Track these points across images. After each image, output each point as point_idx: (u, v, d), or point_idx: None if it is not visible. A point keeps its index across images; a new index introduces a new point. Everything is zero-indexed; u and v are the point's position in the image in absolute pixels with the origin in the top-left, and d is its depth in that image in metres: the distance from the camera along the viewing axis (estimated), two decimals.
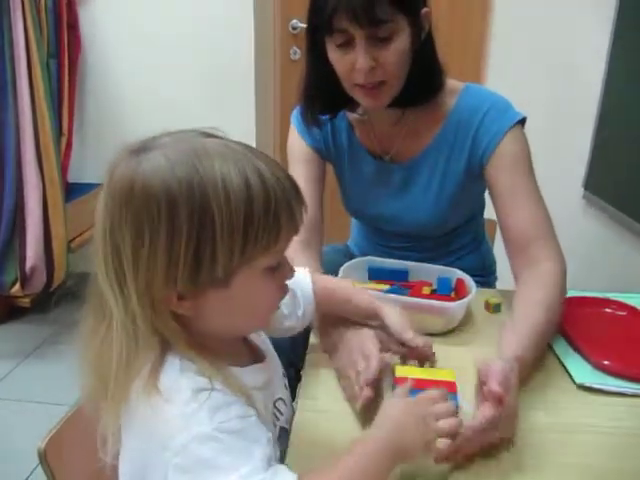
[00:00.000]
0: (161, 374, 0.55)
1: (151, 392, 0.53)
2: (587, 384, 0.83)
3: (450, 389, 0.70)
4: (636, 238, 1.26)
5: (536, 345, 0.83)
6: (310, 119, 1.09)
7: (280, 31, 2.37)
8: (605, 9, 1.34)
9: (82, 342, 0.60)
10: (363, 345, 0.80)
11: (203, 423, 0.52)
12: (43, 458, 0.68)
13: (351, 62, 0.93)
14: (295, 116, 1.17)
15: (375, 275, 1.09)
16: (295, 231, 0.59)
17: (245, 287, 0.57)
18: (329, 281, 0.88)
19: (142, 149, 0.56)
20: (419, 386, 0.70)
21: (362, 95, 0.98)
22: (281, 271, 0.60)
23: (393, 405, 0.63)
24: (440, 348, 0.90)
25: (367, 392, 0.72)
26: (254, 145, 0.61)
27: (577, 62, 1.58)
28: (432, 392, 0.64)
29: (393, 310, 0.82)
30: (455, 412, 0.63)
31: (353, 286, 0.89)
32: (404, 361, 0.83)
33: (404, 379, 0.72)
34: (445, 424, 0.61)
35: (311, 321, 0.85)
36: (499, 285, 1.30)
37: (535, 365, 0.85)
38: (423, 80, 1.00)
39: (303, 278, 0.83)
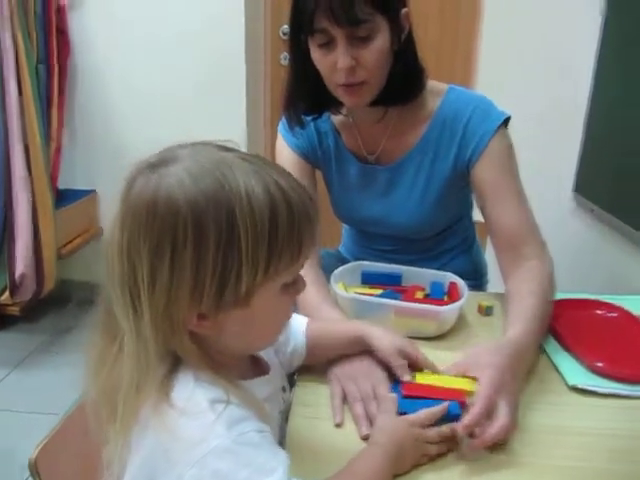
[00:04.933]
0: (174, 389, 0.53)
1: (163, 408, 0.52)
2: (580, 386, 0.83)
3: (457, 397, 0.70)
4: (626, 240, 1.27)
5: (536, 329, 0.86)
6: (294, 119, 1.09)
7: (271, 36, 2.37)
8: (593, 9, 1.36)
9: (91, 365, 0.58)
10: (370, 370, 0.79)
11: (221, 435, 0.50)
12: (34, 469, 0.68)
13: (333, 62, 0.94)
14: (282, 125, 1.18)
15: (368, 279, 1.09)
16: (314, 245, 0.58)
17: (264, 304, 0.55)
18: (318, 322, 0.85)
19: (160, 163, 0.54)
20: (423, 394, 0.71)
21: (343, 94, 0.99)
22: (296, 286, 0.59)
23: (390, 423, 0.66)
24: (433, 352, 0.90)
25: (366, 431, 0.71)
26: (245, 149, 0.60)
27: (566, 64, 1.60)
28: (422, 416, 0.67)
29: (381, 333, 0.80)
30: (445, 435, 0.67)
31: (338, 318, 0.90)
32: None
33: (414, 386, 0.73)
34: (436, 449, 0.67)
35: (298, 364, 0.82)
36: (490, 288, 1.31)
37: (537, 348, 0.88)
38: (404, 80, 1.01)
39: (296, 318, 0.82)
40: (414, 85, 1.03)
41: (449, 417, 0.68)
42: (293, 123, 1.09)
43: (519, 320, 0.87)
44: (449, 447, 0.68)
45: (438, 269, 1.10)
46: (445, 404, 0.68)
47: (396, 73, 0.99)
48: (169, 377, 0.54)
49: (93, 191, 2.38)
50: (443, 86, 1.08)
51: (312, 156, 1.17)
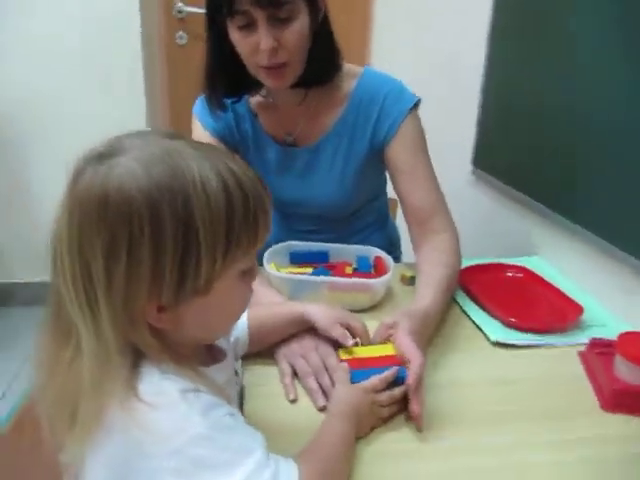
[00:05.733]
0: (140, 384, 0.52)
1: (132, 404, 0.50)
2: (501, 340, 0.92)
3: (396, 363, 0.75)
4: (520, 207, 1.40)
5: (442, 299, 0.94)
6: (214, 103, 1.07)
7: (165, 16, 2.28)
8: None
9: (44, 370, 0.55)
10: (316, 344, 0.82)
11: (197, 424, 0.50)
12: None
13: (254, 43, 0.94)
14: (198, 108, 1.15)
15: (296, 259, 1.11)
16: (269, 229, 0.58)
17: (223, 293, 0.55)
18: (257, 308, 0.85)
19: (108, 154, 0.51)
20: (368, 365, 0.75)
21: (266, 76, 0.99)
22: (251, 272, 0.59)
23: (347, 392, 0.70)
24: (367, 323, 0.95)
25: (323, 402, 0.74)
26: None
27: (459, 47, 1.71)
28: (375, 382, 0.72)
29: (317, 309, 0.83)
30: (396, 397, 0.72)
31: (277, 301, 0.92)
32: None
33: (351, 360, 0.76)
34: (388, 411, 0.72)
35: (242, 353, 0.83)
36: (405, 259, 1.39)
37: (444, 315, 0.97)
38: (323, 60, 1.03)
39: None
40: (332, 66, 1.06)
41: (397, 381, 0.73)
42: (214, 107, 1.07)
43: (428, 291, 0.93)
44: (399, 408, 0.73)
45: (357, 245, 1.15)
46: (395, 369, 0.73)
47: (315, 54, 1.01)
48: (133, 373, 0.52)
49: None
50: (357, 68, 1.12)
51: (230, 138, 1.16)
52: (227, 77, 1.05)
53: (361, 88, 1.10)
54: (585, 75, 1.13)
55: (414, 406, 0.70)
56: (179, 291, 0.51)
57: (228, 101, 1.09)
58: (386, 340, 0.82)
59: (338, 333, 0.80)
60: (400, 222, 1.43)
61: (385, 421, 0.72)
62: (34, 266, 2.25)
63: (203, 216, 0.50)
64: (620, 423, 0.75)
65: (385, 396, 0.71)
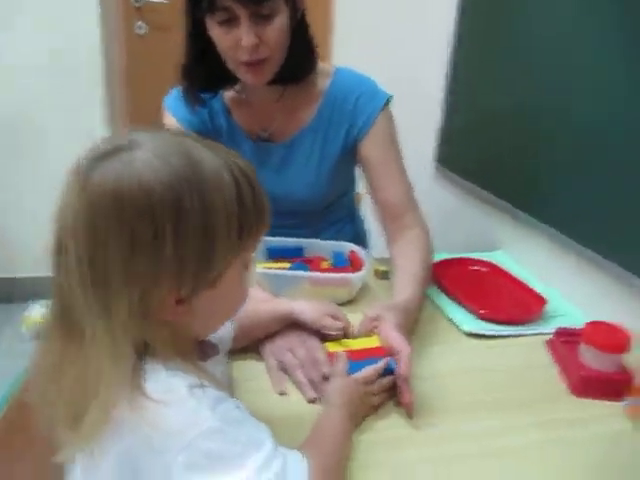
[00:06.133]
0: (146, 382, 0.51)
1: (140, 402, 0.49)
2: (473, 331, 0.97)
3: (383, 354, 0.78)
4: (482, 204, 1.46)
5: (420, 293, 0.98)
6: (191, 97, 1.07)
7: (123, 6, 2.22)
8: None
9: (44, 370, 0.54)
10: (303, 338, 0.84)
11: (207, 418, 0.50)
12: None
13: (235, 39, 0.94)
14: (170, 100, 1.14)
15: (274, 254, 1.12)
16: (270, 217, 0.58)
17: (229, 284, 0.55)
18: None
19: (120, 148, 0.50)
20: (357, 356, 0.77)
21: (245, 71, 1.00)
22: (250, 264, 0.60)
23: (343, 385, 0.72)
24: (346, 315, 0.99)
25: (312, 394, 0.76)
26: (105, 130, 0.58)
27: (423, 48, 1.76)
28: (369, 372, 0.74)
29: (305, 305, 0.85)
30: (385, 386, 0.76)
31: (262, 297, 0.93)
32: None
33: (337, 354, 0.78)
34: (378, 399, 0.75)
35: (227, 349, 0.82)
36: (373, 253, 1.42)
37: (420, 310, 0.99)
38: (301, 57, 1.05)
39: None
40: (309, 63, 1.07)
41: (386, 371, 0.76)
42: (192, 102, 1.07)
43: (407, 285, 0.97)
44: (389, 396, 0.76)
45: (329, 238, 1.17)
46: (386, 360, 0.76)
47: (293, 51, 1.02)
48: (138, 370, 0.52)
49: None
50: (330, 67, 1.14)
51: (204, 132, 1.15)
52: (204, 71, 1.04)
53: (335, 86, 1.12)
54: (549, 75, 1.19)
55: (405, 394, 0.73)
56: (197, 282, 0.52)
57: (206, 96, 1.09)
58: (370, 332, 0.84)
59: (328, 322, 0.83)
60: (366, 216, 1.46)
61: (376, 410, 0.74)
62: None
63: (219, 206, 0.51)
64: (589, 407, 0.81)
65: (376, 385, 0.74)
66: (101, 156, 0.50)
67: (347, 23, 2.25)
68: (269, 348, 0.84)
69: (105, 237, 0.48)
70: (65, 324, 0.52)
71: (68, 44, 2.06)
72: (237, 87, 1.12)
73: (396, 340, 0.77)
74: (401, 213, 1.10)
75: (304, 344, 0.83)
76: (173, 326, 0.54)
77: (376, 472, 0.65)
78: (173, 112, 1.13)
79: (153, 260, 0.49)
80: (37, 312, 2.06)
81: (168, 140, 0.52)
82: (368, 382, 0.74)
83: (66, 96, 2.10)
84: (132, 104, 2.32)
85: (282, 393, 0.78)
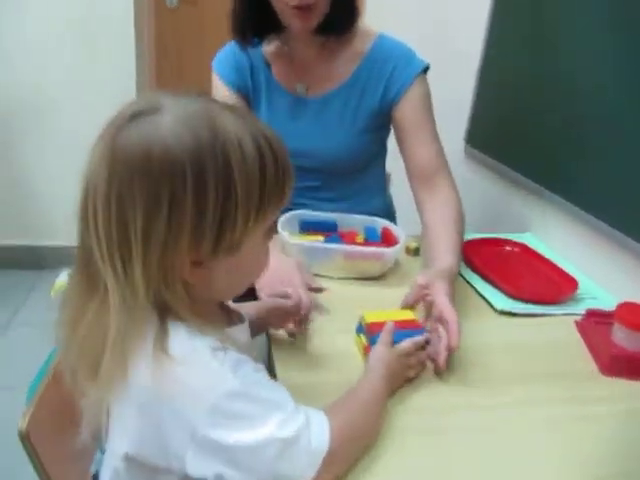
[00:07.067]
0: (169, 341, 0.53)
1: (162, 360, 0.51)
2: (506, 309, 0.98)
3: (417, 326, 0.80)
4: (511, 185, 1.46)
5: (458, 260, 1.01)
6: (244, 42, 1.14)
7: None
8: None
9: (68, 320, 0.56)
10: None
11: (228, 379, 0.52)
12: (26, 439, 0.65)
13: None
14: (217, 64, 1.20)
15: (306, 228, 1.14)
16: (293, 185, 0.59)
17: (251, 250, 0.56)
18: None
19: (146, 112, 0.52)
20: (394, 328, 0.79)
21: (295, 16, 1.04)
22: (271, 232, 0.61)
23: (390, 357, 0.73)
24: (376, 290, 1.01)
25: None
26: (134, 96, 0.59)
27: (459, 17, 1.74)
28: (409, 345, 0.76)
29: (250, 305, 0.83)
30: (422, 360, 0.78)
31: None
32: None
33: (377, 324, 0.80)
34: (414, 372, 0.77)
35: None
36: None
37: (457, 272, 1.00)
38: (343, 9, 1.09)
39: None
40: (351, 17, 1.12)
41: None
42: (245, 44, 1.14)
43: (449, 252, 0.99)
44: (422, 369, 0.79)
45: (356, 207, 1.21)
46: (426, 335, 0.78)
47: (337, 2, 1.07)
48: (161, 329, 0.53)
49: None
50: (373, 31, 1.18)
51: (244, 90, 1.21)
52: (254, 17, 1.10)
53: (376, 50, 1.16)
54: (584, 56, 1.17)
55: (442, 362, 0.76)
56: (216, 246, 0.53)
57: (255, 41, 1.15)
58: (419, 300, 0.88)
59: (279, 303, 0.83)
60: (397, 194, 1.47)
61: (410, 382, 0.77)
62: None
63: (240, 173, 0.52)
64: (617, 385, 0.82)
65: (414, 358, 0.76)
66: (131, 116, 0.52)
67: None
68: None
69: (131, 195, 0.50)
70: (85, 280, 0.55)
71: (101, 15, 2.08)
72: (282, 38, 1.16)
73: (447, 309, 0.79)
74: (430, 175, 1.14)
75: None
76: (190, 288, 0.55)
77: (413, 438, 0.68)
78: (220, 74, 1.20)
79: (172, 221, 0.50)
80: (65, 278, 2.10)
81: (193, 106, 0.54)
82: (408, 354, 0.75)
83: (97, 67, 2.12)
84: (162, 76, 2.33)
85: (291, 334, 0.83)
